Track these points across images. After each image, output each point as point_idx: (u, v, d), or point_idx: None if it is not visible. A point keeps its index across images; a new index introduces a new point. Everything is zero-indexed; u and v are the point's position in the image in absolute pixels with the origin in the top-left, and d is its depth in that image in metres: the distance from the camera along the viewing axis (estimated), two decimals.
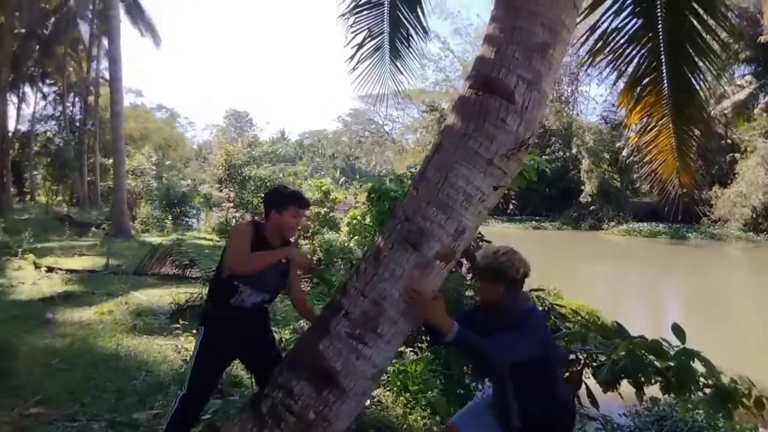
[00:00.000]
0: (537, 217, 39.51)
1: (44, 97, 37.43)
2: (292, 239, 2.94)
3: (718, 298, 14.98)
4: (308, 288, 8.07)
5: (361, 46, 6.44)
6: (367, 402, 3.98)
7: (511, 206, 42.11)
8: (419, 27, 6.32)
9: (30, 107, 36.24)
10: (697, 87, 5.19)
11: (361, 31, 6.46)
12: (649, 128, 5.87)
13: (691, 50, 4.87)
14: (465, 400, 5.27)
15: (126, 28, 30.19)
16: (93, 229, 16.91)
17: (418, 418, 3.89)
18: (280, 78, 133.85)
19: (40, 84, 36.45)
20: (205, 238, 17.16)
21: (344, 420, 2.27)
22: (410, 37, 6.51)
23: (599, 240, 32.04)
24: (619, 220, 35.73)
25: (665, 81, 5.23)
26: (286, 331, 5.13)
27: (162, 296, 7.39)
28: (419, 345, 5.10)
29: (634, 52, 5.19)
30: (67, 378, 4.38)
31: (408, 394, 4.23)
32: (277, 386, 2.27)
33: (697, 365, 4.25)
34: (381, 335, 2.24)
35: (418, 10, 6.10)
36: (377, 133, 52.19)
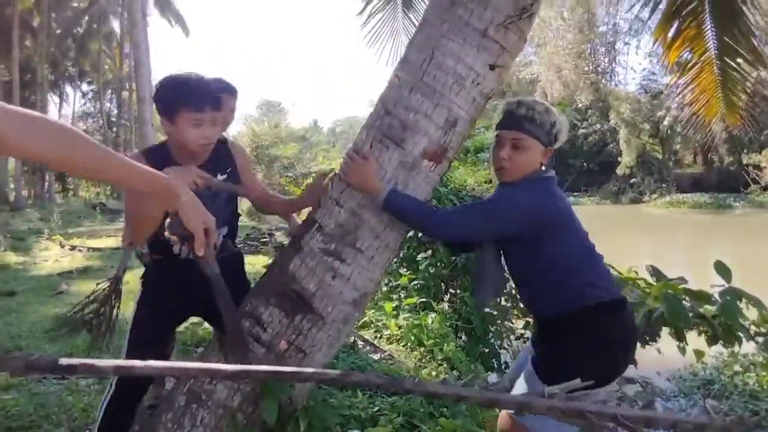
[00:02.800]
0: (575, 193, 38.28)
1: (83, 95, 38.43)
2: (206, 147, 1.89)
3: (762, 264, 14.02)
4: None
5: None
6: (377, 356, 3.66)
7: None
8: None
9: (70, 106, 37.27)
10: (745, 9, 4.64)
11: None
12: (690, 66, 5.34)
13: None
14: (487, 359, 4.90)
15: (155, 21, 30.49)
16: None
17: (432, 371, 3.53)
18: (312, 67, 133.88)
19: (79, 82, 37.35)
20: None
21: (323, 351, 1.93)
22: None
23: (640, 213, 30.79)
24: (661, 192, 34.33)
25: (707, 9, 4.69)
26: None
27: None
28: (438, 301, 4.74)
29: None
30: (68, 342, 4.23)
31: (423, 349, 3.89)
32: (244, 314, 1.95)
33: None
34: (361, 250, 1.89)
35: None
36: None
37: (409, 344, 3.97)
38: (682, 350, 4.18)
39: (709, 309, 3.74)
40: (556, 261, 1.72)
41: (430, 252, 5.32)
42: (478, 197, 6.59)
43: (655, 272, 3.76)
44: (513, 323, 5.54)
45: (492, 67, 1.85)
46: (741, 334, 3.86)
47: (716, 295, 3.64)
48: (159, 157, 1.86)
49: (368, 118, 1.96)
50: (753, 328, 4.07)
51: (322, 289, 1.88)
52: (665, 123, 35.88)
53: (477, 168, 7.01)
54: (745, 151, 31.72)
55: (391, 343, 4.05)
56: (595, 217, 28.33)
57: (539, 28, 42.38)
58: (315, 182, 2.04)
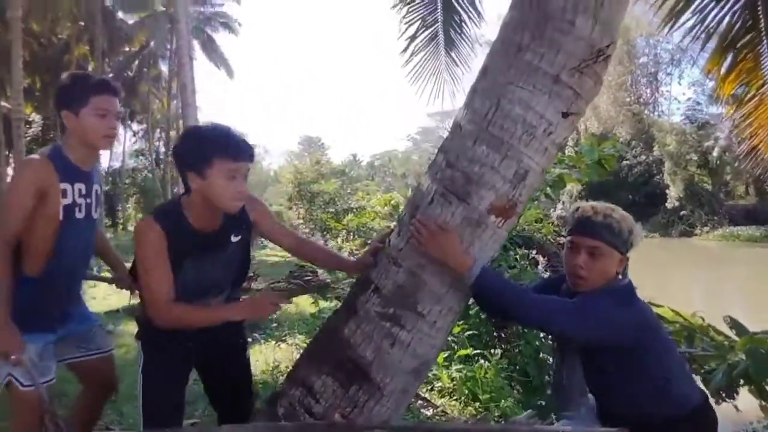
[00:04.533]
0: None
1: (134, 134, 40.13)
2: (239, 203, 1.75)
3: None
4: None
5: (414, 37, 6.08)
6: (429, 412, 3.45)
7: None
8: (473, 11, 5.86)
9: (121, 145, 39.00)
10: None
11: (414, 22, 6.10)
12: (746, 99, 5.08)
13: None
14: (545, 413, 4.59)
15: (203, 64, 31.83)
16: None
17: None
18: (350, 102, 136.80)
19: (129, 122, 39.09)
20: (277, 254, 17.28)
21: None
22: (463, 24, 6.05)
23: (691, 246, 29.52)
24: (713, 225, 32.89)
25: (764, 41, 4.46)
26: None
27: None
28: (491, 350, 4.49)
29: (724, 10, 4.46)
30: None
31: (477, 404, 3.65)
32: (295, 382, 1.80)
33: None
34: (422, 315, 1.73)
35: None
36: None
37: (462, 398, 3.74)
38: (765, 409, 3.80)
39: None
40: (652, 372, 1.69)
41: None
42: (527, 237, 6.36)
43: (735, 324, 3.44)
44: None
45: (565, 115, 1.69)
46: None
47: None
48: (173, 218, 1.73)
49: (428, 169, 1.83)
50: None
51: (380, 357, 1.72)
52: (714, 153, 34.72)
53: (527, 206, 6.80)
54: None
55: (443, 396, 3.83)
56: (644, 250, 27.27)
57: None
58: (373, 248, 1.90)
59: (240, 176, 1.67)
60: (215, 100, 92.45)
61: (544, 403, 4.62)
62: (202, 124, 1.78)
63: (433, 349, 1.80)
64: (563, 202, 38.02)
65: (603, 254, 1.67)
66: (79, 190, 1.92)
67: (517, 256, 5.73)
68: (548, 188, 7.31)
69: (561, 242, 6.14)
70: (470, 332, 4.37)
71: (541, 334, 4.77)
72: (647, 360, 1.68)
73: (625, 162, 38.37)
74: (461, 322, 4.58)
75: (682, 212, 34.91)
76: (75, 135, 1.88)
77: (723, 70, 4.69)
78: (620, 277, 1.74)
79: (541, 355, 4.71)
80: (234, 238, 1.83)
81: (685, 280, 18.14)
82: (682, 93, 61.17)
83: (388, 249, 1.81)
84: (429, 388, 3.90)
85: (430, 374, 4.06)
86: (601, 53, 1.67)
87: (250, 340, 5.16)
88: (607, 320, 1.62)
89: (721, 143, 34.94)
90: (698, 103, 40.30)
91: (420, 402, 3.52)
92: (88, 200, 1.97)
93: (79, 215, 1.94)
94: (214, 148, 1.63)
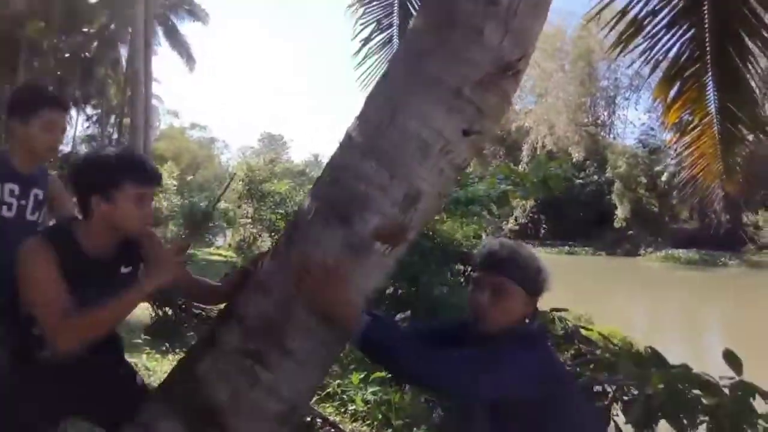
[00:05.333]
0: (570, 243, 38.02)
1: (88, 118, 38.40)
2: (146, 227, 1.69)
3: (761, 331, 13.58)
4: None
5: (368, 40, 5.88)
6: None
7: (542, 231, 40.91)
8: None
9: (73, 129, 37.20)
10: (748, 76, 4.45)
11: (370, 24, 5.90)
12: (690, 128, 5.13)
13: (742, 32, 4.13)
14: None
15: (166, 53, 30.83)
16: None
17: None
18: (317, 101, 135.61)
19: (84, 105, 37.37)
20: (220, 254, 16.71)
21: None
22: None
23: (634, 267, 30.47)
24: (656, 246, 34.06)
25: (709, 72, 4.48)
26: None
27: (145, 309, 6.78)
28: None
29: (673, 39, 4.46)
30: None
31: (390, 431, 3.43)
32: (139, 425, 1.53)
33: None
34: (290, 352, 1.49)
35: None
36: None
37: (375, 423, 3.52)
38: None
39: (712, 398, 3.33)
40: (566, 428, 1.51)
41: (409, 312, 4.91)
42: (465, 252, 6.22)
43: (655, 355, 3.35)
44: None
45: (466, 133, 1.49)
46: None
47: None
48: (64, 238, 1.58)
49: (313, 185, 1.60)
50: (761, 423, 3.65)
51: (237, 400, 1.47)
52: (663, 178, 36.02)
53: (466, 221, 6.66)
54: (742, 208, 31.82)
55: (355, 420, 3.60)
56: (589, 268, 28.01)
57: (540, 78, 43.16)
58: (241, 272, 1.66)
59: (148, 200, 1.61)
60: (178, 92, 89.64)
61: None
62: (106, 149, 1.62)
63: (301, 392, 1.56)
64: (515, 217, 38.79)
65: (507, 292, 1.49)
66: (11, 190, 1.96)
67: (452, 272, 5.59)
68: (492, 204, 7.24)
69: None
70: None
71: None
72: (556, 415, 1.50)
73: (578, 181, 39.40)
74: None
75: (629, 232, 36.03)
76: (20, 141, 1.96)
77: (670, 97, 4.71)
78: (528, 321, 1.56)
79: None
80: (124, 269, 1.69)
81: (626, 300, 18.60)
82: (638, 118, 63.37)
83: (258, 273, 1.56)
84: (342, 410, 3.66)
85: (344, 395, 3.83)
86: (510, 67, 1.48)
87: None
88: (514, 373, 1.43)
89: (671, 169, 36.31)
90: (652, 129, 41.81)
91: (327, 428, 3.27)
92: (22, 202, 2.00)
93: (7, 213, 1.95)
94: (123, 171, 1.55)
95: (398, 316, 4.89)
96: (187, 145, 47.06)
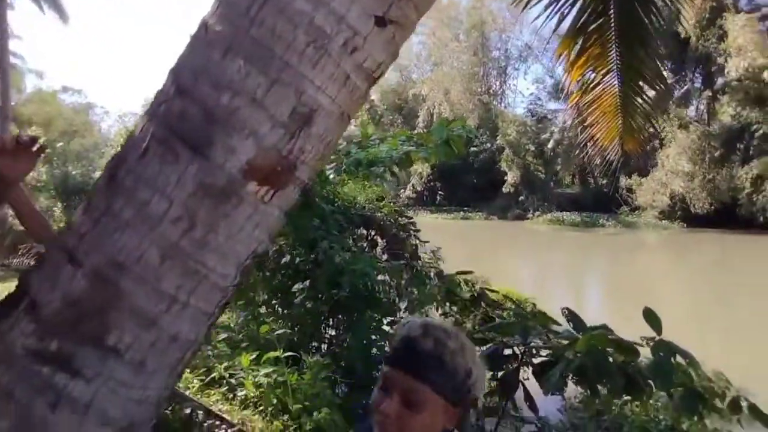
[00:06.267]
0: (465, 208, 39.44)
1: None
2: None
3: (638, 284, 14.82)
4: None
5: None
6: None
7: (438, 197, 42.03)
8: None
9: None
10: (651, 29, 4.43)
11: None
12: (592, 86, 5.08)
13: None
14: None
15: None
16: None
17: None
18: None
19: None
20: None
21: None
22: None
23: (523, 229, 32.31)
24: (543, 210, 36.27)
25: (613, 27, 4.40)
26: None
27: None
28: (312, 347, 3.88)
29: None
30: None
31: (287, 416, 3.00)
32: None
33: None
34: (117, 351, 0.98)
35: None
36: None
37: (269, 410, 3.06)
38: (592, 402, 3.71)
39: (628, 359, 3.25)
40: None
41: (308, 282, 4.45)
42: (368, 216, 5.85)
43: (572, 317, 3.20)
44: None
45: (381, 22, 1.03)
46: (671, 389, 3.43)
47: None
48: None
49: (151, 103, 1.07)
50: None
51: (28, 428, 0.94)
52: (549, 145, 38.20)
53: (369, 184, 6.28)
54: (620, 173, 34.62)
55: (246, 407, 3.11)
56: (482, 232, 29.19)
57: (436, 46, 43.69)
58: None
59: None
60: (47, 52, 79.68)
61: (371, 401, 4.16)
62: None
63: (144, 404, 1.06)
64: (413, 185, 39.38)
65: (423, 402, 1.06)
66: None
67: (354, 237, 5.20)
68: (395, 166, 6.93)
69: (402, 223, 5.72)
70: (282, 331, 3.70)
71: (373, 326, 4.29)
72: None
73: (472, 148, 40.67)
74: (271, 319, 3.91)
75: (520, 198, 38.03)
76: None
77: (573, 53, 4.61)
78: None
79: (372, 351, 4.23)
80: None
81: (517, 260, 19.51)
82: (527, 88, 66.97)
83: (64, 233, 1.02)
84: (231, 396, 3.16)
85: (232, 379, 3.32)
86: None
87: None
88: None
89: (556, 137, 38.60)
90: (539, 99, 44.09)
91: (211, 421, 2.76)
92: None
93: None
94: None
95: (296, 286, 4.43)
96: (60, 111, 42.31)
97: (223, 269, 1.06)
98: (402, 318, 4.96)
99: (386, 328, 4.54)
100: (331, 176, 5.78)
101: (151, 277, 0.98)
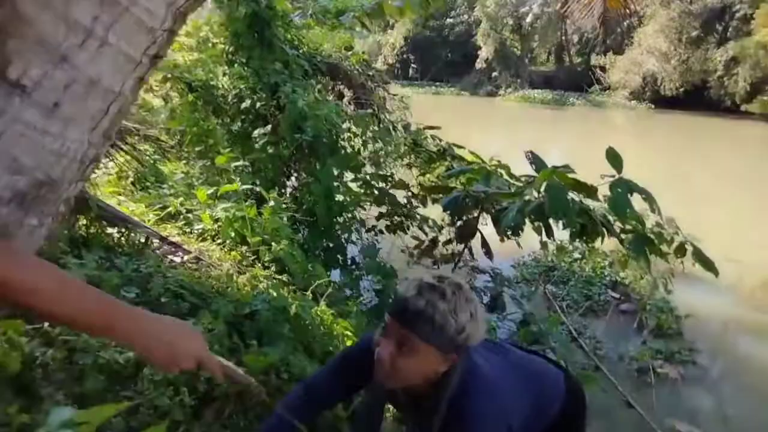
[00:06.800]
0: (437, 82, 38.55)
1: None
2: None
3: (602, 160, 15.13)
4: None
5: None
6: (179, 258, 2.72)
7: (411, 70, 40.78)
8: None
9: None
10: None
11: None
12: None
13: None
14: (331, 255, 4.22)
15: None
16: None
17: (253, 279, 2.71)
18: None
19: None
20: None
21: None
22: None
23: (494, 106, 32.08)
24: (515, 87, 35.76)
25: None
26: None
27: None
28: (274, 186, 3.84)
29: None
30: None
31: (245, 248, 3.02)
32: None
33: None
34: (24, 88, 0.86)
35: None
36: None
37: (227, 242, 3.07)
38: (545, 245, 3.85)
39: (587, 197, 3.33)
40: None
41: (269, 128, 4.31)
42: (335, 65, 5.57)
43: (535, 159, 3.20)
44: (363, 208, 4.88)
45: None
46: (606, 229, 3.57)
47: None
48: None
49: None
50: (618, 225, 3.82)
51: None
52: (527, 19, 36.69)
53: (336, 32, 5.91)
54: (596, 50, 34.07)
55: (204, 240, 3.11)
56: (452, 107, 28.85)
57: None
58: None
59: None
60: None
61: (331, 245, 4.24)
62: None
63: (65, 159, 0.96)
64: (385, 56, 37.83)
65: (414, 351, 1.26)
66: None
67: (320, 87, 4.97)
68: (366, 17, 6.51)
69: (370, 74, 5.49)
70: (247, 165, 3.62)
71: (335, 174, 4.25)
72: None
73: (448, 20, 38.81)
74: (228, 151, 3.80)
75: (493, 74, 37.20)
76: None
77: None
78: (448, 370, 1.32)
79: (336, 198, 4.23)
80: None
81: (486, 134, 19.56)
82: None
83: None
84: (187, 231, 3.15)
85: (190, 214, 3.29)
86: None
87: None
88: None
89: (535, 11, 37.02)
90: None
91: (167, 247, 2.76)
92: None
93: None
94: None
95: (257, 132, 4.28)
96: None
97: (150, 3, 0.92)
98: (367, 174, 4.95)
99: (352, 185, 4.52)
100: (297, 20, 5.40)
101: (57, 1, 0.84)
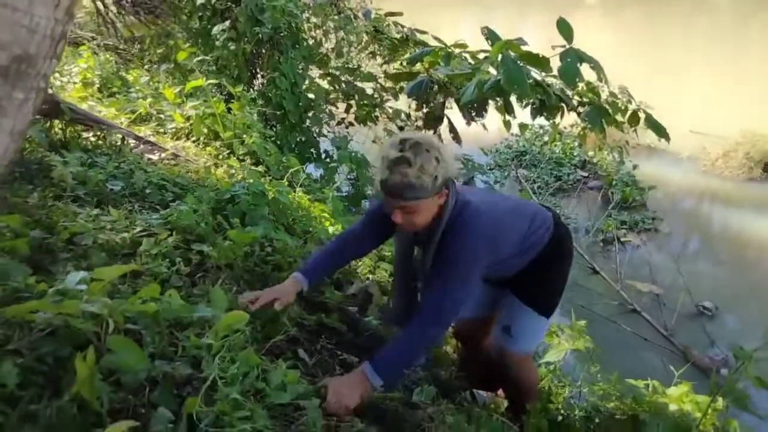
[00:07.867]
0: None
1: None
2: None
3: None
4: None
5: None
6: (156, 156, 2.82)
7: None
8: None
9: None
10: None
11: None
12: None
13: None
14: (304, 149, 4.34)
15: None
16: None
17: (230, 170, 2.84)
18: None
19: None
20: None
21: None
22: None
23: None
24: None
25: None
26: None
27: None
28: (241, 82, 3.85)
29: None
30: None
31: (219, 143, 3.12)
32: None
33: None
34: None
35: None
36: None
37: (201, 139, 3.16)
38: (507, 124, 3.99)
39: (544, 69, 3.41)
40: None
41: (228, 23, 4.22)
42: None
43: (491, 34, 3.25)
44: (335, 107, 4.93)
45: None
46: (564, 104, 3.71)
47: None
48: None
49: None
50: (576, 98, 3.96)
51: None
52: None
53: None
54: None
55: (178, 138, 3.20)
56: None
57: None
58: None
59: None
60: None
61: (304, 139, 4.34)
62: None
63: (37, 35, 1.05)
64: None
65: (415, 208, 1.59)
66: None
67: None
68: None
69: None
70: (211, 61, 3.62)
71: (300, 68, 4.25)
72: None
73: None
74: (189, 46, 3.77)
75: None
76: None
77: None
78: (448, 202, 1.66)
79: (304, 92, 4.26)
80: None
81: (455, 16, 18.94)
82: None
83: None
84: (161, 131, 3.22)
85: (161, 115, 3.34)
86: None
87: None
88: (470, 263, 1.63)
89: None
90: None
91: (143, 146, 2.84)
92: None
93: None
94: None
95: (216, 28, 4.20)
96: None
97: None
98: (334, 69, 4.92)
99: (320, 81, 4.51)
100: None
101: None
